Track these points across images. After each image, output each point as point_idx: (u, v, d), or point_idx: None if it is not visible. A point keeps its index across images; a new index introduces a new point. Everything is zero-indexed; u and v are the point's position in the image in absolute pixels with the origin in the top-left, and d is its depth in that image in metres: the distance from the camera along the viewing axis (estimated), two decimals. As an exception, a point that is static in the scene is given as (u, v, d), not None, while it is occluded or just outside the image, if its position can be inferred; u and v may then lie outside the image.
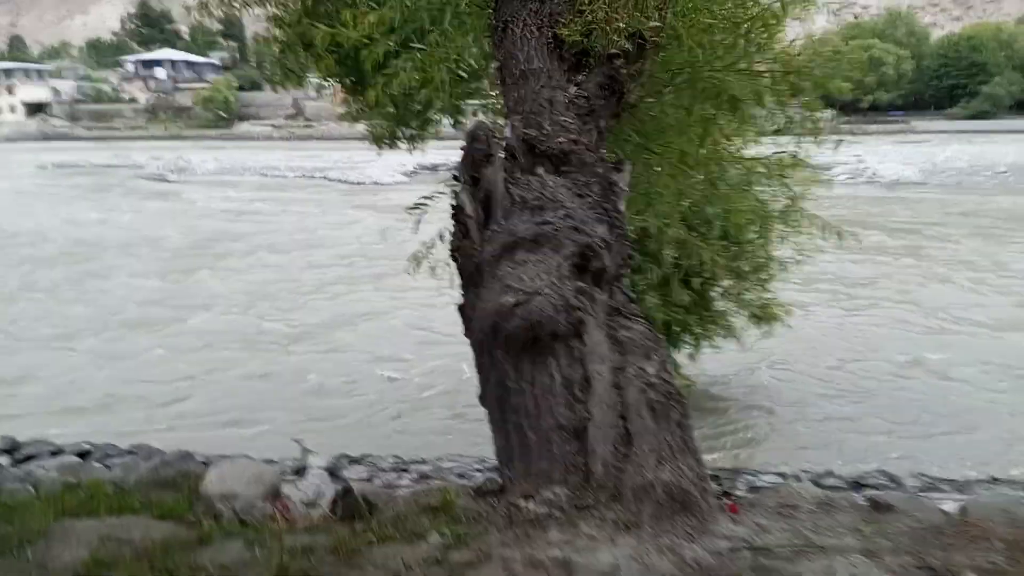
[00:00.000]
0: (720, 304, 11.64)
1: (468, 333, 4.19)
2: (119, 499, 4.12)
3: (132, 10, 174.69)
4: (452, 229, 4.34)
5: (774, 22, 6.79)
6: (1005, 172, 47.07)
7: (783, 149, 8.70)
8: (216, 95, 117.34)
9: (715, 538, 3.03)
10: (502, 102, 6.34)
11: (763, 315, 11.14)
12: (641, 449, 3.43)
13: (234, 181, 50.35)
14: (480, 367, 4.00)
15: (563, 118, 5.37)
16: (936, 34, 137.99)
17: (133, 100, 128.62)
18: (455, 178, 4.50)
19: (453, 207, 4.36)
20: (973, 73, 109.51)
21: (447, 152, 7.17)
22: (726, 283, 11.34)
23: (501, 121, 6.26)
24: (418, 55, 7.31)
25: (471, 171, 4.32)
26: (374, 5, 7.66)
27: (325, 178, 50.37)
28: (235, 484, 4.09)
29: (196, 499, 4.09)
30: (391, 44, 7.18)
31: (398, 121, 10.37)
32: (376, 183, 46.21)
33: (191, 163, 59.74)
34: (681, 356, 11.84)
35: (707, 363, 12.46)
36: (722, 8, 6.61)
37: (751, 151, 9.83)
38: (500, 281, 3.88)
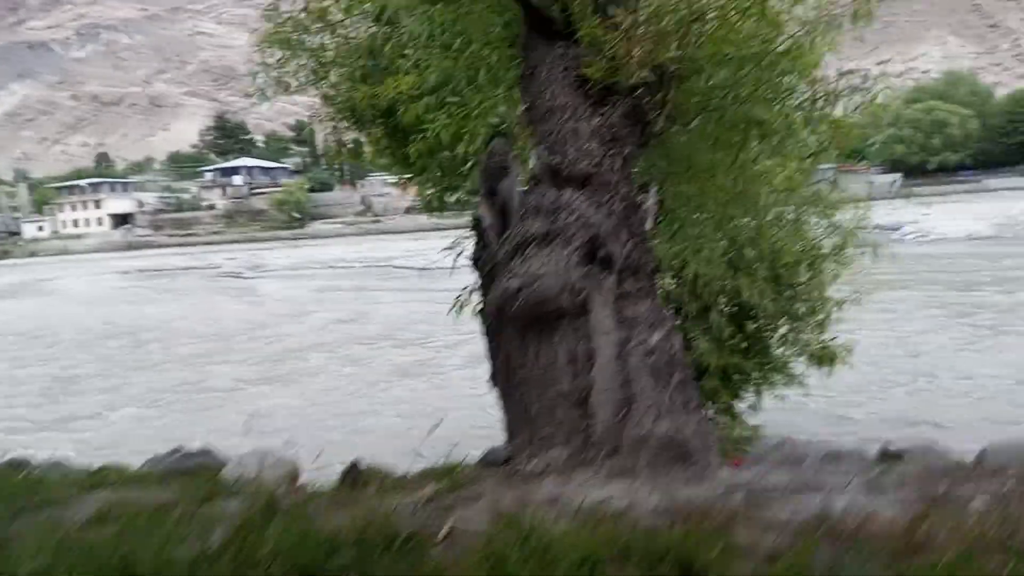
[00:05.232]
0: (779, 350, 11.42)
1: (484, 329, 4.29)
2: (140, 478, 4.25)
3: (210, 124, 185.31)
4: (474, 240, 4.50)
5: (801, 55, 6.93)
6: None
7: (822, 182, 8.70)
8: (289, 198, 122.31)
9: (712, 484, 2.97)
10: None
11: (823, 357, 10.87)
12: (640, 408, 3.43)
13: (306, 274, 52.04)
14: (491, 351, 4.08)
15: (587, 145, 5.54)
16: (1000, 92, 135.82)
17: (212, 207, 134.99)
18: (475, 192, 4.69)
19: (473, 219, 4.53)
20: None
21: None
22: (783, 328, 11.17)
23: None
24: (453, 109, 7.67)
25: (489, 184, 4.49)
26: (414, 70, 8.11)
27: (392, 266, 51.63)
28: (254, 469, 4.19)
29: (215, 484, 4.19)
30: (427, 102, 7.54)
31: (446, 187, 10.75)
32: (441, 267, 47.02)
33: (265, 261, 62.04)
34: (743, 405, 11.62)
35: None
36: (747, 41, 6.77)
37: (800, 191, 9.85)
38: (509, 272, 4.00)
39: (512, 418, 3.89)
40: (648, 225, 5.29)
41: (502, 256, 4.19)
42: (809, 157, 7.33)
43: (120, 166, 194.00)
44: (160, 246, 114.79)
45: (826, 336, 10.87)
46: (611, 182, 5.14)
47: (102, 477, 4.35)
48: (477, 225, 4.44)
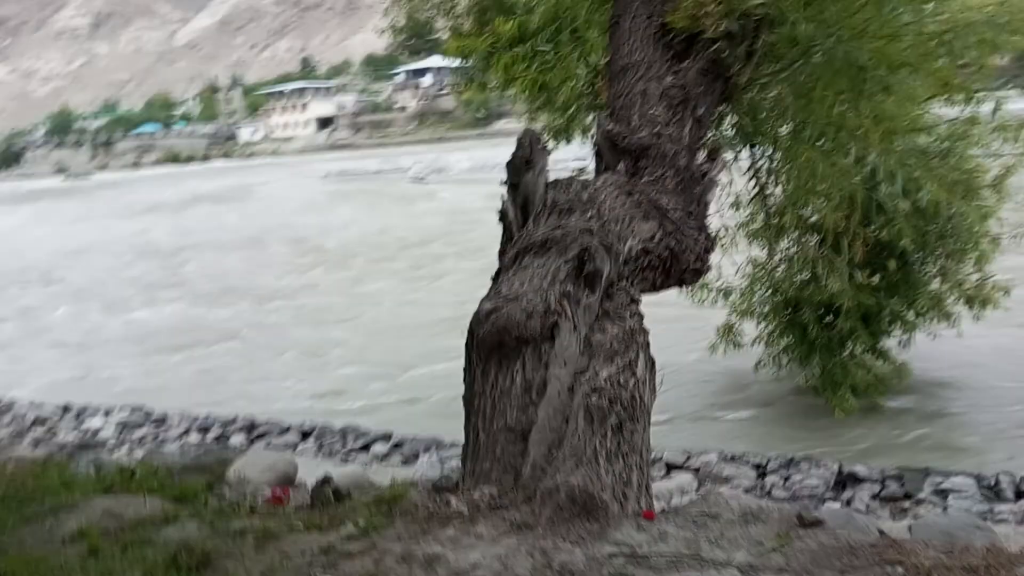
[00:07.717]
0: (933, 286, 10.56)
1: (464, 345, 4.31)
2: (150, 480, 4.81)
3: (401, 24, 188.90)
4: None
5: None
6: None
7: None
8: (474, 96, 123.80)
9: (604, 544, 2.94)
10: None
11: (977, 297, 9.94)
12: (564, 453, 3.41)
13: (483, 179, 53.11)
14: (464, 370, 4.14)
15: (653, 111, 5.34)
16: None
17: (404, 108, 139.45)
18: (504, 183, 4.69)
19: (499, 212, 4.55)
20: None
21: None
22: (936, 264, 10.32)
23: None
24: (552, 56, 7.57)
25: (513, 177, 4.48)
26: (523, 11, 8.03)
27: (567, 167, 51.43)
28: (251, 472, 4.64)
29: (218, 483, 4.70)
30: (514, 54, 7.50)
31: (572, 116, 10.61)
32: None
33: (447, 163, 63.77)
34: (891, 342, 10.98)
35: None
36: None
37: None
38: (496, 288, 4.03)
39: (465, 444, 3.99)
40: (710, 196, 5.09)
41: (506, 261, 4.21)
42: (932, 97, 6.56)
43: (322, 70, 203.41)
44: (358, 147, 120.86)
45: (983, 275, 9.93)
46: (669, 154, 4.96)
47: (121, 477, 4.93)
48: (503, 217, 4.47)
